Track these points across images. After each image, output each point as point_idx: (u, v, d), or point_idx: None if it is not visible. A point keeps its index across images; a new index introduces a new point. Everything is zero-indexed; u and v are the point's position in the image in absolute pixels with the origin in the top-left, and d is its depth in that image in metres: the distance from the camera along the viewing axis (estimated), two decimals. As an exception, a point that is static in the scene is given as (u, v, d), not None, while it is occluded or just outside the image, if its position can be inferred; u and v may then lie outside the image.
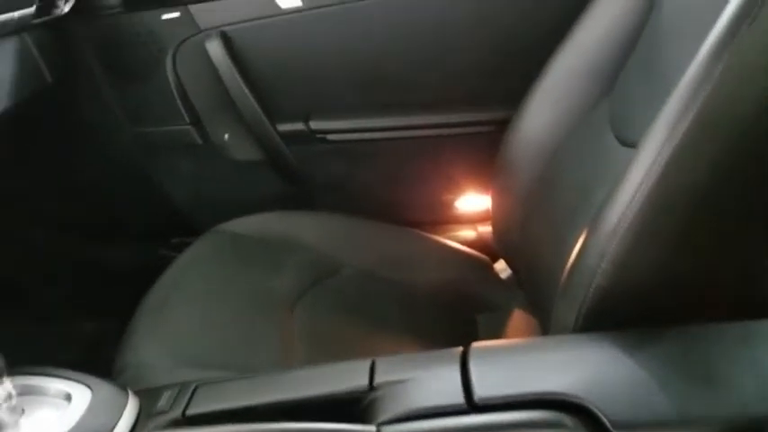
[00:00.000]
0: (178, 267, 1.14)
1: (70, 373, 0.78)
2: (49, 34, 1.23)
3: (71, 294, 1.41)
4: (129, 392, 0.77)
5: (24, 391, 0.76)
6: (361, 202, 1.36)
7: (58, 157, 1.35)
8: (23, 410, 0.73)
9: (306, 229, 1.27)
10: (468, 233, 1.46)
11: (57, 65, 1.23)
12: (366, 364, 0.71)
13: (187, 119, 1.35)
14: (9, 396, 0.71)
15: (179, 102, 1.33)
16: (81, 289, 1.41)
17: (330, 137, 1.35)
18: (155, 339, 0.97)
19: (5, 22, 1.10)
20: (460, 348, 0.69)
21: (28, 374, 0.78)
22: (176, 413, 0.74)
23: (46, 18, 1.20)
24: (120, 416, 0.73)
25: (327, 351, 1.02)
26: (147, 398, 0.78)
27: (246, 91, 1.29)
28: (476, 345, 0.69)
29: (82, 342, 1.35)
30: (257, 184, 1.43)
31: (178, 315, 1.02)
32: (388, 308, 1.16)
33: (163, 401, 0.76)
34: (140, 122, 1.38)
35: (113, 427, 0.72)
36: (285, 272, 1.17)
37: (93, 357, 0.96)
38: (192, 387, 0.77)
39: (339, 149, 1.36)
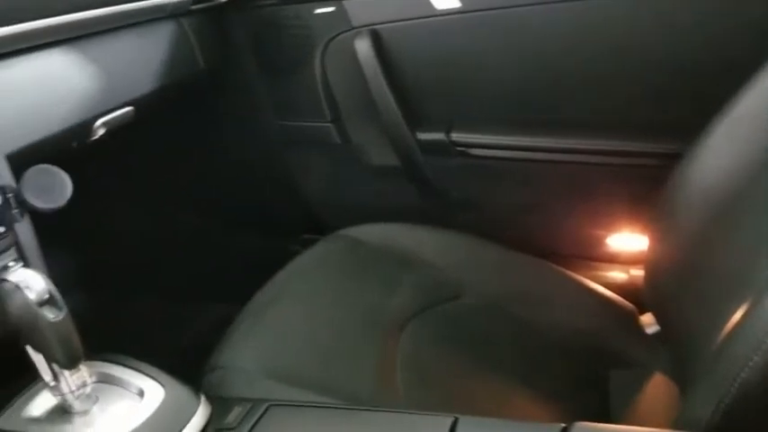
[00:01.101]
0: (293, 268, 1.10)
1: (149, 368, 0.76)
2: (206, 21, 1.24)
3: (201, 278, 1.43)
4: (202, 399, 0.73)
5: (102, 379, 0.75)
6: (496, 226, 1.25)
7: (203, 142, 1.38)
8: (97, 398, 0.72)
9: (431, 245, 1.19)
10: (617, 275, 1.30)
11: (210, 51, 1.24)
12: (447, 422, 0.62)
13: (328, 116, 1.32)
14: (84, 384, 0.69)
15: (323, 98, 1.30)
16: (210, 274, 1.43)
17: (472, 151, 1.25)
18: (251, 343, 0.93)
19: (163, 6, 1.12)
20: (561, 426, 0.57)
21: (109, 363, 0.76)
22: (241, 432, 0.69)
23: (204, 5, 1.22)
24: (187, 423, 0.70)
25: (425, 385, 0.93)
26: (220, 408, 0.74)
27: (389, 94, 1.23)
28: (581, 425, 0.57)
29: (204, 325, 1.35)
30: (389, 191, 1.36)
31: (280, 320, 0.98)
32: (506, 348, 1.05)
33: (232, 416, 0.71)
34: (284, 115, 1.36)
35: (180, 429, 0.68)
36: (400, 289, 1.09)
37: (213, 341, 0.95)
38: (265, 407, 0.72)
39: (480, 166, 1.26)
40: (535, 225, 1.29)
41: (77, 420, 0.69)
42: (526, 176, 1.25)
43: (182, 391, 0.73)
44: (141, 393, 0.72)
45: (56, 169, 0.78)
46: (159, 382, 0.73)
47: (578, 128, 1.16)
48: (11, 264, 0.77)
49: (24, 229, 0.80)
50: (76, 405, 0.69)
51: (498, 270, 1.18)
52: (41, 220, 0.84)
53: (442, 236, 1.22)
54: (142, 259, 1.46)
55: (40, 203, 0.77)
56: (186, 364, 0.91)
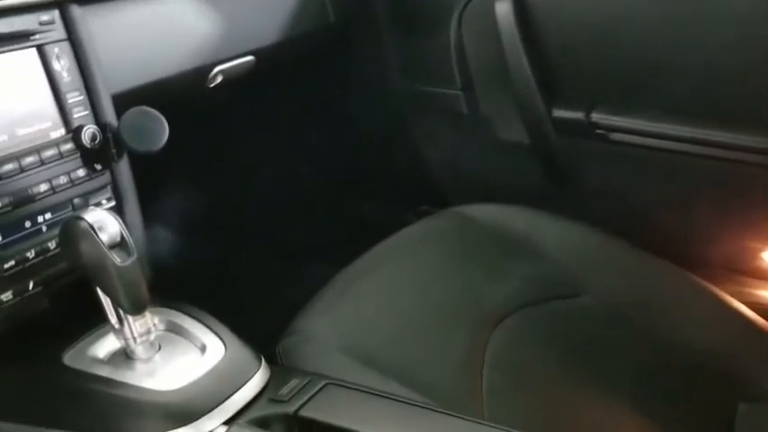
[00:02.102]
0: (395, 241, 1.04)
1: (217, 325, 0.74)
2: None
3: (314, 238, 1.42)
4: (262, 365, 0.70)
5: (168, 328, 0.74)
6: (631, 223, 1.12)
7: (325, 100, 1.34)
8: (160, 347, 0.71)
9: (552, 234, 1.08)
10: (765, 294, 1.13)
11: (342, 5, 1.20)
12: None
13: (459, 83, 1.23)
14: (148, 331, 0.68)
15: (455, 64, 1.22)
16: (323, 235, 1.41)
17: (613, 135, 1.11)
18: (333, 313, 0.88)
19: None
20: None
21: (178, 312, 0.75)
22: (291, 408, 0.65)
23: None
24: (241, 387, 0.67)
25: (513, 393, 0.84)
26: (279, 376, 0.71)
27: (527, 64, 1.12)
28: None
29: (308, 287, 1.35)
30: (514, 169, 1.26)
31: (369, 294, 0.93)
32: (621, 361, 0.93)
33: (287, 388, 0.68)
34: (412, 79, 1.29)
35: (229, 396, 0.66)
36: (508, 278, 1.00)
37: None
38: (322, 384, 0.68)
39: (620, 153, 1.12)
40: (676, 227, 1.14)
41: (138, 366, 0.68)
42: (672, 170, 1.10)
43: (243, 354, 0.71)
44: (203, 348, 0.70)
45: (154, 112, 0.77)
46: (223, 341, 0.71)
47: (740, 121, 0.99)
48: (104, 203, 0.78)
49: (122, 170, 0.81)
50: (138, 351, 0.68)
51: (627, 273, 1.05)
52: (155, 166, 0.85)
53: (566, 226, 1.10)
54: (255, 213, 1.47)
55: (136, 145, 0.77)
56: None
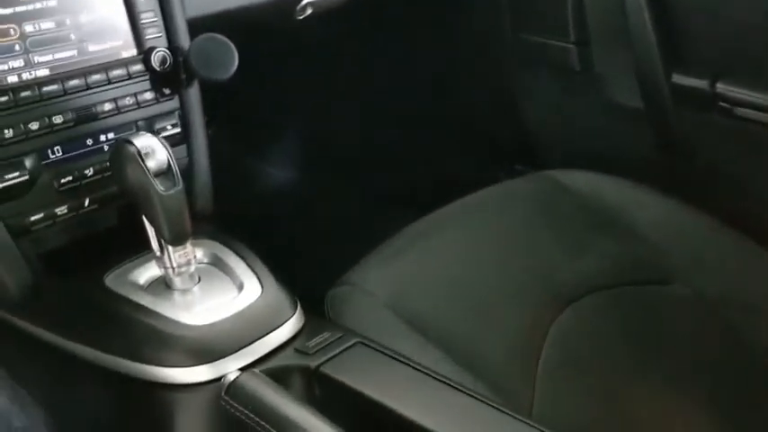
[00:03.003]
0: (472, 200, 0.97)
1: (258, 264, 0.72)
2: None
3: (400, 188, 1.38)
4: (296, 314, 0.68)
5: (212, 261, 0.73)
6: (746, 211, 0.99)
7: (426, 43, 1.27)
8: (199, 279, 0.70)
9: (650, 213, 0.98)
10: None
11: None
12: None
13: (573, 37, 1.12)
14: (187, 263, 0.68)
15: (570, 14, 1.11)
16: (410, 185, 1.36)
17: (738, 110, 0.98)
18: (390, 269, 0.84)
19: None
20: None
21: (223, 246, 0.74)
22: (313, 362, 0.63)
23: None
24: (269, 332, 0.65)
25: (571, 383, 0.77)
26: (312, 326, 0.68)
27: (648, 21, 1.00)
28: None
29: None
30: (621, 136, 1.14)
31: (432, 252, 0.88)
32: (711, 364, 0.83)
33: (316, 340, 0.65)
34: (522, 28, 1.19)
35: (253, 341, 0.64)
36: (589, 254, 0.92)
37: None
38: (351, 343, 0.65)
39: (744, 130, 0.98)
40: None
41: (174, 297, 0.68)
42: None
43: (278, 298, 0.68)
44: (241, 287, 0.69)
45: (225, 40, 0.74)
46: (261, 282, 0.69)
47: None
48: (168, 128, 0.78)
49: (192, 97, 0.80)
50: (177, 282, 0.68)
51: (734, 267, 0.94)
52: (236, 99, 0.83)
53: (669, 205, 0.99)
54: (341, 156, 1.44)
55: (203, 72, 0.75)
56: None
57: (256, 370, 0.58)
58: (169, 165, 0.64)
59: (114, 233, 0.72)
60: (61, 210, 0.70)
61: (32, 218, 0.68)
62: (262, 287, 0.69)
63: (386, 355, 0.64)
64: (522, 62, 1.22)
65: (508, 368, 0.76)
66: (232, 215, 0.83)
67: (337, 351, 0.64)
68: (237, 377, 0.56)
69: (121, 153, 0.63)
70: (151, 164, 0.63)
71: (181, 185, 0.64)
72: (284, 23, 0.96)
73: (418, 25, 1.28)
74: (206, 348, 0.62)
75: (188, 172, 0.81)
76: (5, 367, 0.80)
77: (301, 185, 1.48)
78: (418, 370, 0.62)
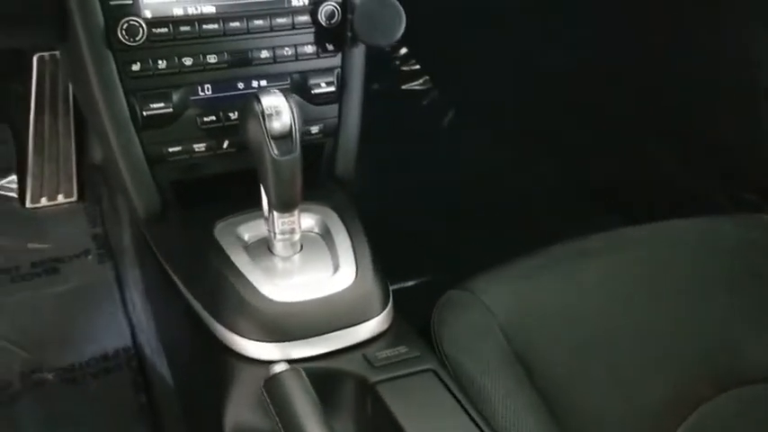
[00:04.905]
0: (658, 231, 0.82)
1: (364, 248, 0.68)
2: None
3: (600, 182, 1.23)
4: (381, 315, 0.64)
5: (321, 230, 0.71)
6: None
7: (663, 46, 1.08)
8: (301, 248, 0.68)
9: None
10: None
11: None
12: None
13: None
14: (291, 231, 0.66)
15: None
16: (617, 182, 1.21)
17: None
18: (520, 285, 0.75)
19: None
20: None
21: (337, 217, 0.71)
22: (374, 376, 0.58)
23: None
24: (347, 327, 0.62)
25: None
26: (396, 332, 0.63)
27: None
28: None
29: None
30: None
31: (574, 280, 0.76)
32: None
33: (391, 352, 0.60)
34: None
35: (320, 333, 0.61)
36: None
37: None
38: (424, 368, 0.59)
39: None
40: None
41: (271, 262, 0.66)
42: None
43: (368, 293, 0.64)
44: (336, 268, 0.66)
45: (393, 2, 0.69)
46: (357, 268, 0.65)
47: None
48: (323, 86, 0.75)
49: (355, 58, 0.75)
50: (278, 248, 0.66)
51: None
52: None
53: None
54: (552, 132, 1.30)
55: (365, 37, 0.71)
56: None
57: (301, 369, 0.54)
58: (291, 129, 0.61)
59: (243, 177, 0.71)
60: (199, 147, 0.71)
61: (171, 149, 0.70)
62: (356, 273, 0.64)
63: (451, 393, 0.57)
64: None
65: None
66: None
67: (404, 372, 0.58)
68: (280, 372, 0.53)
69: (246, 109, 0.62)
70: (272, 125, 0.61)
71: (297, 152, 0.61)
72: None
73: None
74: (276, 328, 0.60)
75: (336, 133, 0.79)
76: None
77: (493, 152, 1.38)
78: (475, 423, 0.54)
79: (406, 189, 1.25)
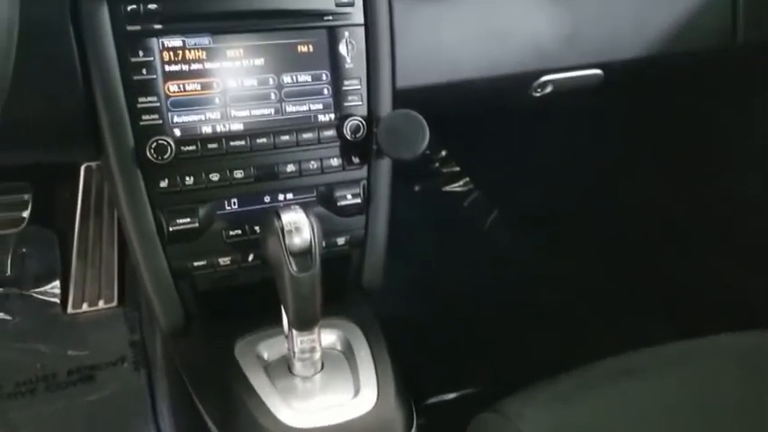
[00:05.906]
0: (713, 346, 0.77)
1: (386, 367, 0.65)
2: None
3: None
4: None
5: (343, 348, 0.68)
6: None
7: (704, 131, 1.05)
8: (323, 366, 0.66)
9: None
10: None
11: (761, 22, 0.90)
12: None
13: None
14: (312, 349, 0.64)
15: None
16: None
17: None
18: (557, 411, 0.69)
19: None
20: None
21: (357, 328, 0.68)
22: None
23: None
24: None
25: None
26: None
27: None
28: None
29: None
30: None
31: (614, 409, 0.71)
32: None
33: None
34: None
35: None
36: None
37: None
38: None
39: None
40: None
41: (290, 383, 0.64)
42: None
43: (389, 419, 0.61)
44: (357, 392, 0.63)
45: (417, 117, 0.69)
46: (378, 392, 0.62)
47: None
48: (348, 197, 0.74)
49: (382, 170, 0.75)
50: (298, 367, 0.64)
51: None
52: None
53: None
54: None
55: (389, 150, 0.71)
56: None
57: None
58: (310, 245, 0.61)
59: (268, 287, 0.71)
60: (224, 260, 0.71)
61: (196, 263, 0.70)
62: (378, 396, 0.62)
63: None
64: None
65: None
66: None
67: None
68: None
69: (266, 225, 0.62)
70: (292, 241, 0.60)
71: (317, 269, 0.60)
72: (514, 99, 0.87)
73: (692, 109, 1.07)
74: None
75: (362, 244, 0.78)
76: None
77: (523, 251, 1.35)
78: None
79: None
